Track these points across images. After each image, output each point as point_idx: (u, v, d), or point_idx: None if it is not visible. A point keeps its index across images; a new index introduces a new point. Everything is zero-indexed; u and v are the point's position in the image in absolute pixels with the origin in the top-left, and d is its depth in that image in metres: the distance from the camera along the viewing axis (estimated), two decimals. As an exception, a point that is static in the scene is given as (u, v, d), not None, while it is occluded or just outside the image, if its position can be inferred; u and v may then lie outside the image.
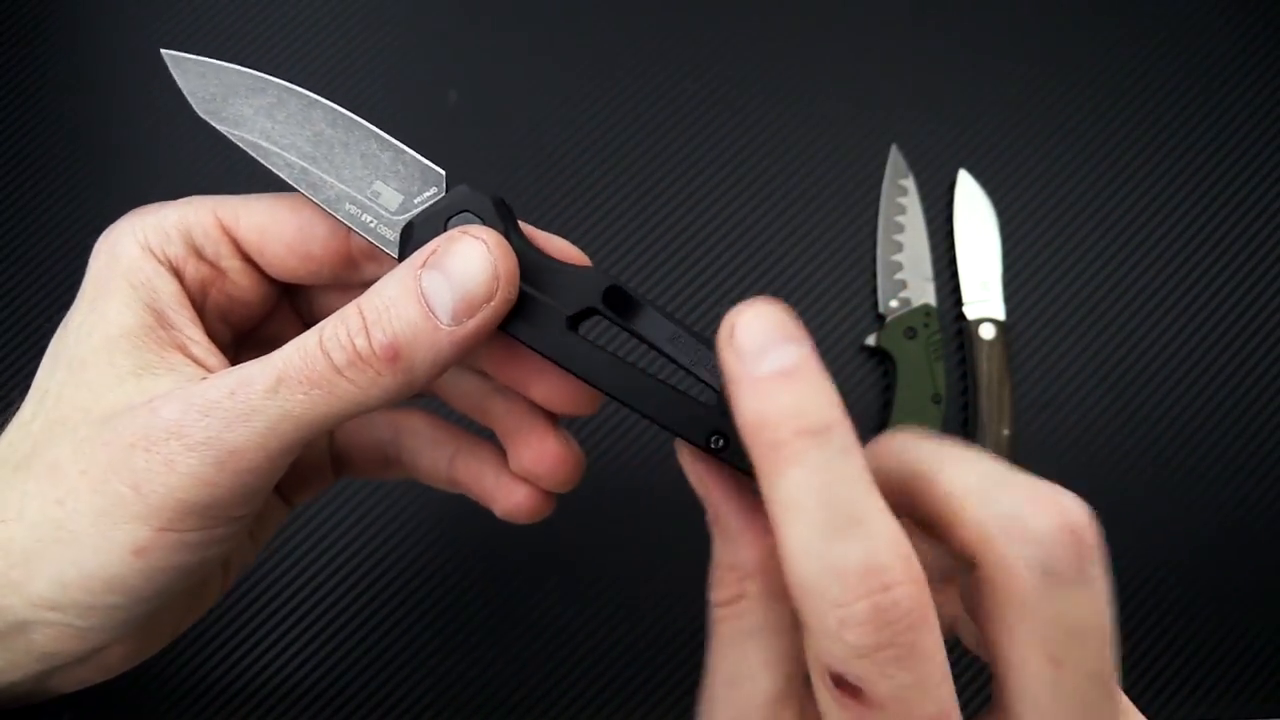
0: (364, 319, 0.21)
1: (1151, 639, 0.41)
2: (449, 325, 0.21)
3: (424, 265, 0.21)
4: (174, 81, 0.23)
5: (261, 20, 0.48)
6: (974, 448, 0.19)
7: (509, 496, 0.28)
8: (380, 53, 0.48)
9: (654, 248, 0.45)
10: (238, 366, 0.21)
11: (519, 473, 0.27)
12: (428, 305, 0.20)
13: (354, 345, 0.20)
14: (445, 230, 0.22)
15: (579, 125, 0.47)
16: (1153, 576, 0.42)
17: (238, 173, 0.46)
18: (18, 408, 0.24)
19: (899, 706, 0.17)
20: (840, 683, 0.17)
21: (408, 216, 0.23)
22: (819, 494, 0.17)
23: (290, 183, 0.23)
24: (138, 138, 0.46)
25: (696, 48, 0.48)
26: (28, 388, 0.23)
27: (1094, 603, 0.18)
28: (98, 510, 0.21)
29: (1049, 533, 0.17)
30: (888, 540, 0.17)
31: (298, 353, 0.21)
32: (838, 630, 0.16)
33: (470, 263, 0.21)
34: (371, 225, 0.23)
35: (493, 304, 0.21)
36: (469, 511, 0.41)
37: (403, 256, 0.22)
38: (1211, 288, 0.45)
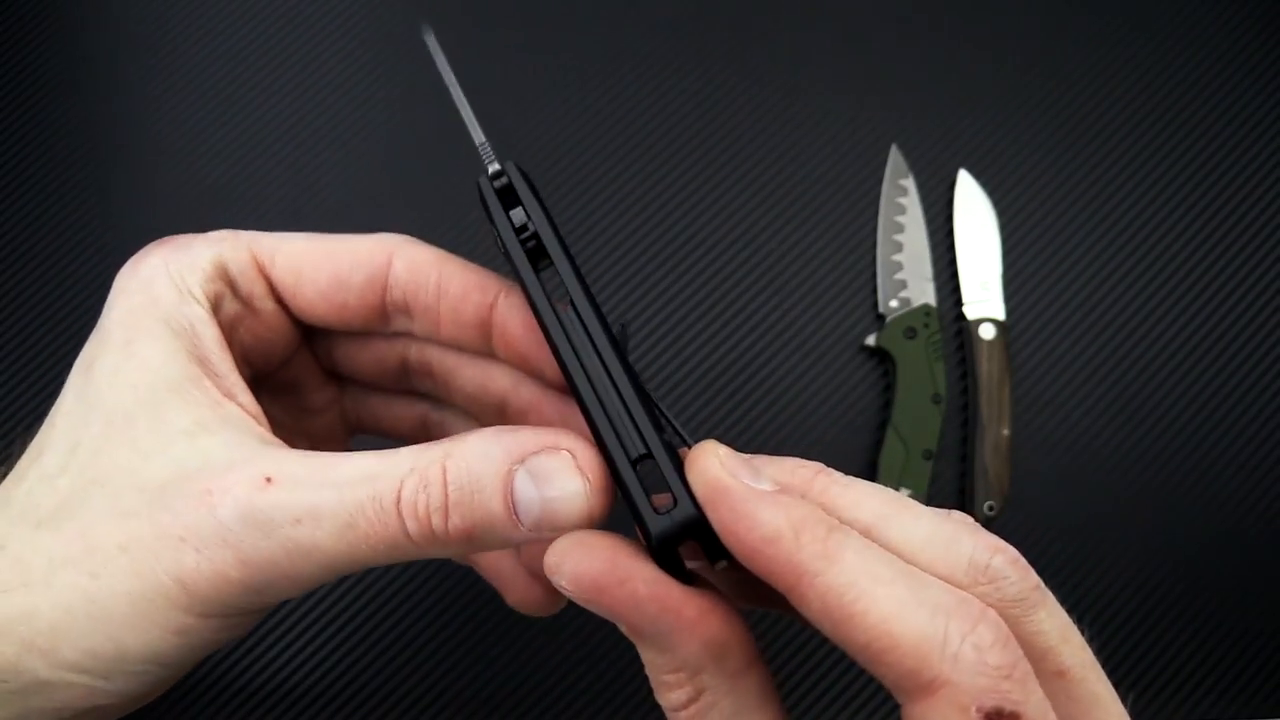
0: (446, 497, 0.19)
1: (1151, 639, 0.41)
2: (527, 531, 0.20)
3: (522, 463, 0.20)
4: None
5: (262, 20, 0.48)
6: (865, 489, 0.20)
7: (524, 590, 0.27)
8: (380, 52, 0.48)
9: (654, 247, 0.45)
10: (305, 478, 0.20)
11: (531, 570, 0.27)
12: (514, 508, 0.20)
13: (431, 522, 0.20)
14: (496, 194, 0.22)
15: (579, 125, 0.47)
16: (1153, 576, 0.42)
17: (237, 172, 0.46)
18: (19, 452, 0.22)
19: (1045, 715, 0.16)
20: (1000, 717, 0.16)
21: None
22: (880, 560, 0.17)
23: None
24: (138, 137, 0.46)
25: (697, 48, 0.48)
26: (29, 416, 0.22)
27: (1059, 611, 0.18)
28: (137, 594, 0.20)
29: (1008, 568, 0.18)
30: (984, 545, 0.18)
31: (372, 504, 0.19)
32: (979, 659, 0.16)
33: (569, 500, 0.20)
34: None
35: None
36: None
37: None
38: (1211, 288, 0.45)
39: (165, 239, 0.24)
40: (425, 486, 0.19)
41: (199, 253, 0.23)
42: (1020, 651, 0.17)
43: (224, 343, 0.23)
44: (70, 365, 0.23)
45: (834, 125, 0.47)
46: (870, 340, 0.44)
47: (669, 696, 0.19)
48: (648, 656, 0.19)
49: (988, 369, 0.43)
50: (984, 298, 0.44)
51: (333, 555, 0.20)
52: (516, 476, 0.20)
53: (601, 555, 0.19)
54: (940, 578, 0.18)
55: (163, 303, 0.22)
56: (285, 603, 0.40)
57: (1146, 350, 0.45)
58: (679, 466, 0.20)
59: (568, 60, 0.48)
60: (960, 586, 0.18)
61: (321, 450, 0.21)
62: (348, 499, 0.20)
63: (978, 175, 0.46)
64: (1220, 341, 0.45)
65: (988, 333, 0.43)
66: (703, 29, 0.48)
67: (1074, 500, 0.43)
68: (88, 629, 0.20)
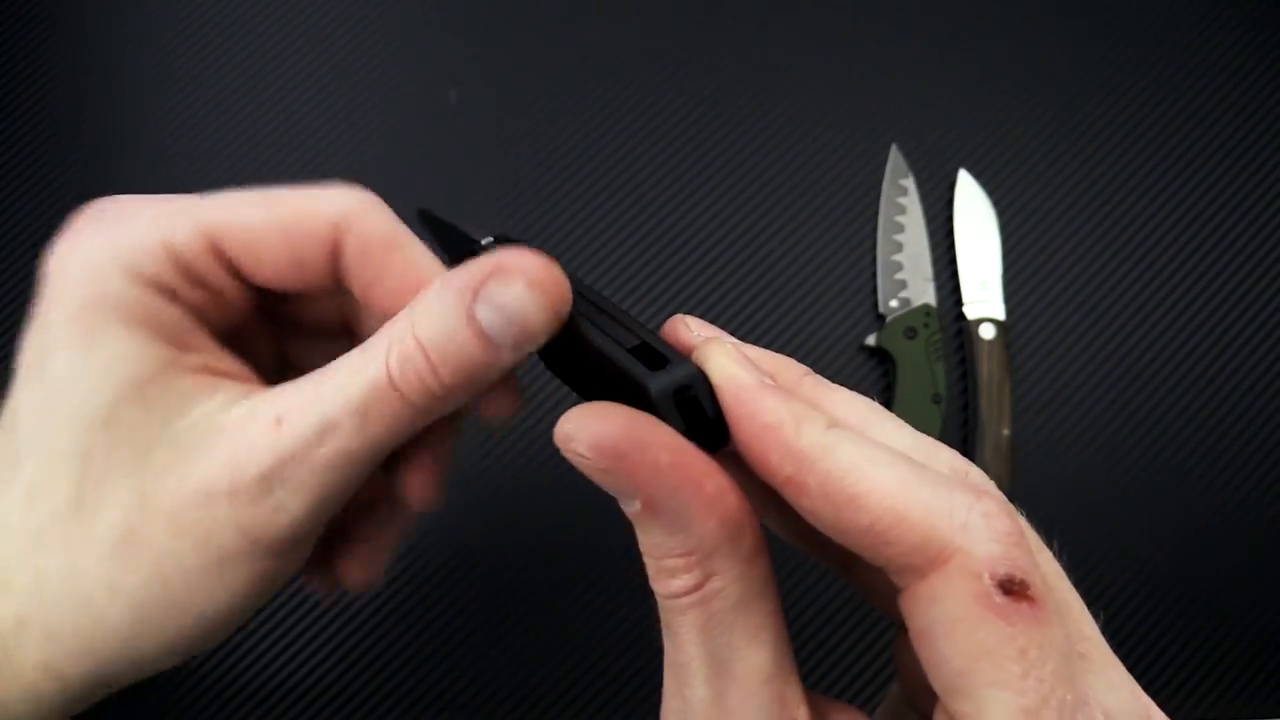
0: (429, 359, 0.20)
1: (1152, 639, 0.41)
2: (513, 351, 0.20)
3: (476, 298, 0.20)
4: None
5: (263, 20, 0.48)
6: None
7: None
8: (380, 53, 0.48)
9: (654, 247, 0.45)
10: (307, 403, 0.21)
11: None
12: (490, 339, 0.20)
13: (426, 386, 0.20)
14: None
15: (579, 125, 0.47)
16: (1153, 576, 0.42)
17: (238, 172, 0.46)
18: None
19: (1053, 596, 0.16)
20: (1011, 588, 0.16)
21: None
22: (877, 446, 0.17)
23: None
24: (137, 136, 0.46)
25: (697, 48, 0.48)
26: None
27: (1028, 525, 0.19)
28: (208, 564, 0.21)
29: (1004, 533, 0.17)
30: (962, 462, 0.18)
31: (372, 394, 0.20)
32: (989, 525, 0.16)
33: (531, 304, 0.20)
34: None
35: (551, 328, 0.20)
36: (469, 511, 0.41)
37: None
38: (1211, 288, 0.45)
39: (96, 208, 0.22)
40: (407, 359, 0.20)
41: (145, 235, 0.22)
42: (1024, 522, 0.17)
43: (187, 320, 0.23)
44: None
45: (834, 125, 0.47)
46: (870, 340, 0.44)
47: (672, 583, 0.18)
48: (655, 539, 0.18)
49: (988, 369, 0.43)
50: (984, 298, 0.44)
51: (360, 452, 0.21)
52: (478, 311, 0.20)
53: (619, 420, 0.18)
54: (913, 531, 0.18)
55: (112, 293, 0.21)
56: (284, 602, 0.40)
57: (1146, 350, 0.45)
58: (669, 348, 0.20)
59: (567, 61, 0.48)
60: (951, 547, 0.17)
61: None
62: (352, 399, 0.20)
63: (978, 175, 0.46)
64: (1220, 341, 0.45)
65: (988, 333, 0.43)
66: (703, 29, 0.48)
67: (1074, 500, 0.43)
68: (162, 620, 0.21)
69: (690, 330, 0.21)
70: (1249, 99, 0.48)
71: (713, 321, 0.44)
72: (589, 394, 0.22)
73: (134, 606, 0.21)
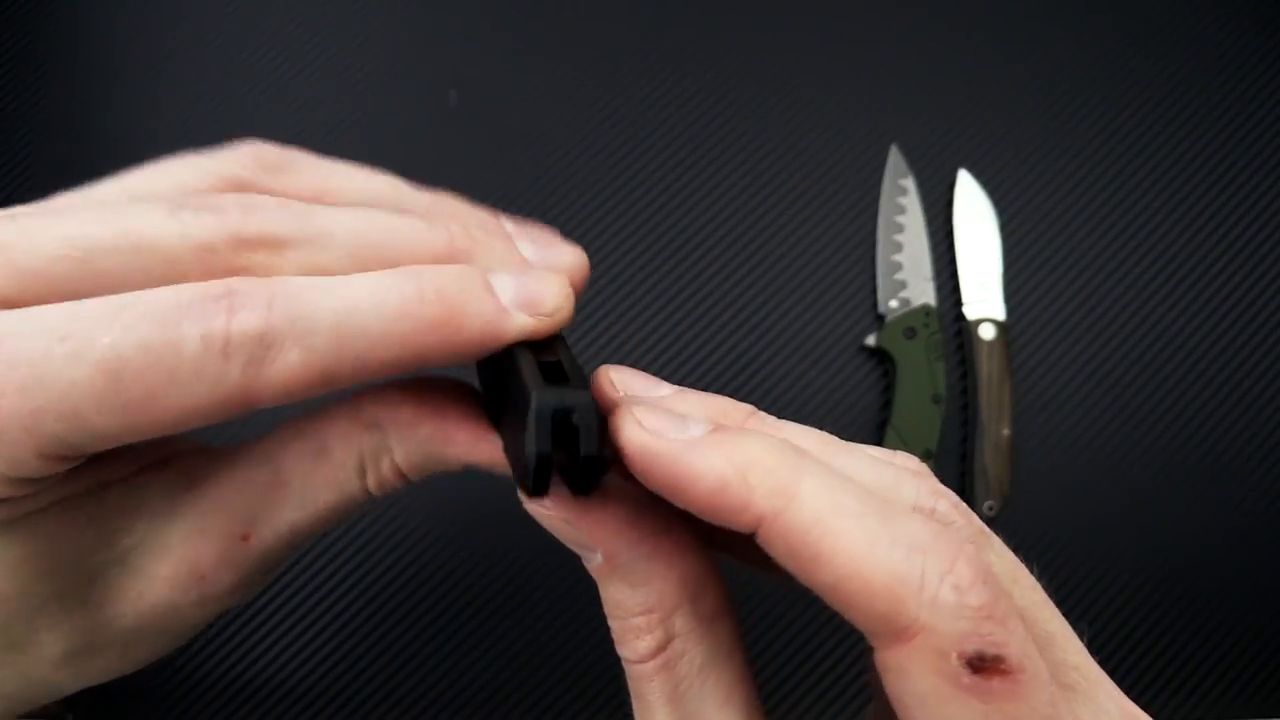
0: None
1: (1152, 639, 0.41)
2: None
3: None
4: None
5: (263, 20, 0.48)
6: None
7: None
8: (380, 53, 0.48)
9: (654, 248, 0.45)
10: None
11: None
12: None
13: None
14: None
15: (579, 125, 0.47)
16: (1153, 577, 0.42)
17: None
18: None
19: (1031, 661, 0.15)
20: (981, 666, 0.14)
21: None
22: (844, 487, 0.15)
23: None
24: (137, 137, 0.46)
25: (695, 47, 0.48)
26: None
27: (1006, 552, 0.17)
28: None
29: (950, 511, 0.17)
30: (928, 490, 0.16)
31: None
32: (960, 601, 0.15)
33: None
34: None
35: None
36: (468, 511, 0.41)
37: None
38: (1212, 287, 0.45)
39: None
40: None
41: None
42: (1000, 586, 0.15)
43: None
44: None
45: (834, 125, 0.47)
46: (870, 340, 0.44)
47: (637, 645, 0.18)
48: (617, 595, 0.18)
49: (988, 369, 0.43)
50: (984, 298, 0.44)
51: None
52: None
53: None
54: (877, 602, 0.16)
55: None
56: (283, 603, 0.40)
57: (1146, 350, 0.45)
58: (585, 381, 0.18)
59: (567, 61, 0.48)
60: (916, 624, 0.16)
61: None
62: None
63: (978, 175, 0.46)
64: (1220, 341, 0.45)
65: (988, 333, 0.43)
66: (702, 30, 0.48)
67: (1074, 500, 0.43)
68: None
69: (614, 386, 0.19)
70: (1250, 99, 0.48)
71: (712, 321, 0.44)
72: (492, 405, 0.20)
73: None
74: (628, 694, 0.19)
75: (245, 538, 0.20)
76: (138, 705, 0.39)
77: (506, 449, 0.19)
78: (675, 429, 0.17)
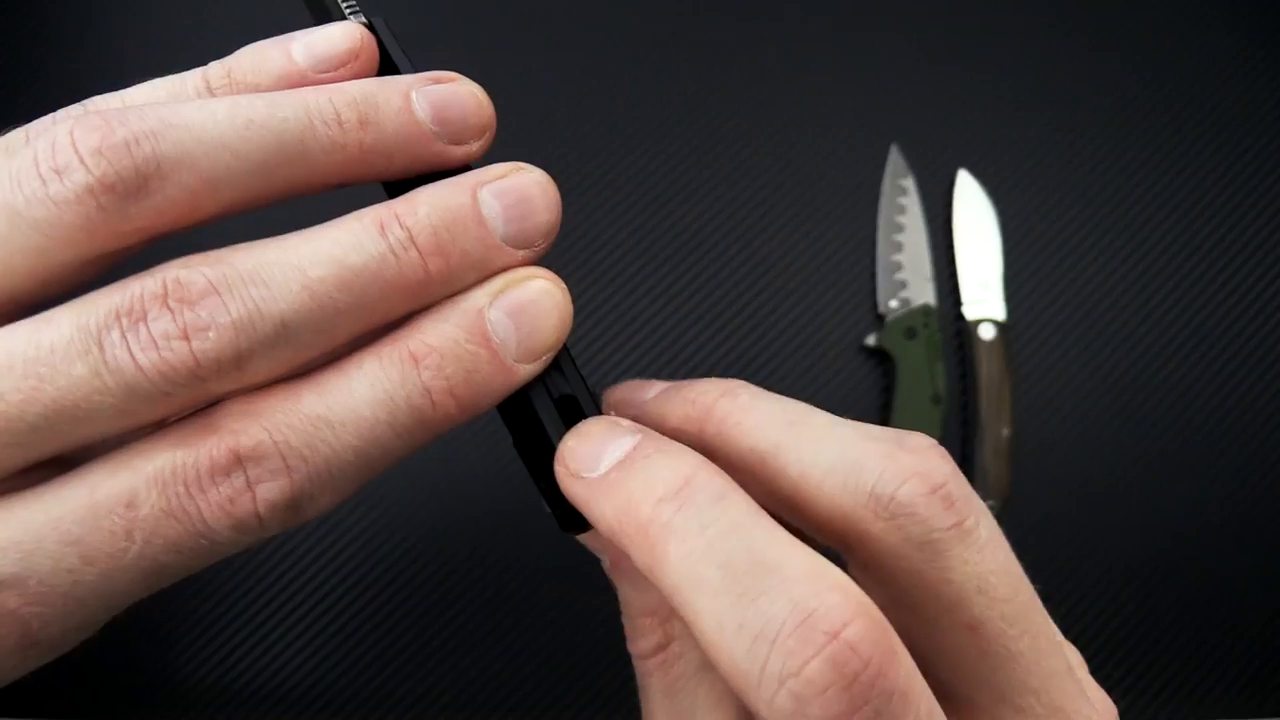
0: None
1: (1153, 639, 0.41)
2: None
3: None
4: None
5: (262, 21, 0.48)
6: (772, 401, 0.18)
7: None
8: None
9: (654, 247, 0.45)
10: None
11: None
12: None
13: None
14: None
15: (578, 125, 0.47)
16: (1153, 576, 0.42)
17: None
18: None
19: None
20: None
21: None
22: (708, 556, 0.14)
23: None
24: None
25: (696, 48, 0.48)
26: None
27: (986, 552, 0.16)
28: None
29: (919, 501, 0.16)
30: (811, 574, 0.14)
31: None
32: (799, 708, 0.13)
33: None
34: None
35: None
36: (468, 511, 0.41)
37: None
38: (1211, 287, 0.45)
39: None
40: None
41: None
42: (888, 681, 0.14)
43: None
44: None
45: (834, 125, 0.47)
46: (870, 340, 0.44)
47: (641, 642, 0.18)
48: (625, 594, 0.19)
49: (988, 369, 0.43)
50: (984, 298, 0.44)
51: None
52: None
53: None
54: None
55: None
56: (283, 603, 0.40)
57: (1146, 350, 0.45)
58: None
59: (567, 61, 0.48)
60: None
61: None
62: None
63: (978, 175, 0.46)
64: (1220, 341, 0.45)
65: (988, 333, 0.43)
66: (702, 30, 0.48)
67: (1074, 500, 0.43)
68: None
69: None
70: (1249, 99, 0.48)
71: (712, 321, 0.44)
72: (521, 442, 0.20)
73: None
74: (630, 692, 0.19)
75: None
76: (137, 706, 0.39)
77: (530, 468, 0.20)
78: (592, 461, 0.17)
